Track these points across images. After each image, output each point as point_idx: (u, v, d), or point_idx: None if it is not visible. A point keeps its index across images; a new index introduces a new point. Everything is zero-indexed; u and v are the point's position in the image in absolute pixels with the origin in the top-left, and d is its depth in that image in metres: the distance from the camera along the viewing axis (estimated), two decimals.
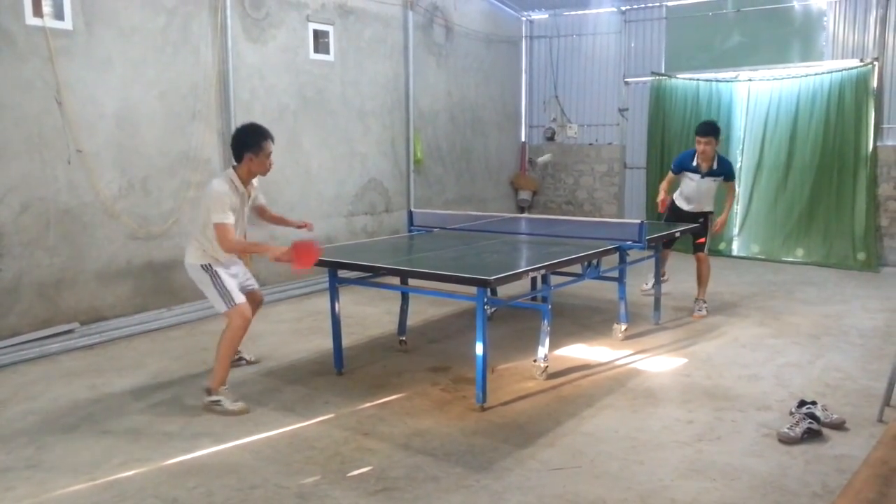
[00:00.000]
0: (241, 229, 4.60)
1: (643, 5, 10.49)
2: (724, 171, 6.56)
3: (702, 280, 6.67)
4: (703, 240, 6.66)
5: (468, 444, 3.86)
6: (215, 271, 4.42)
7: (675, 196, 6.87)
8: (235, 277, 4.59)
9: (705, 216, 6.70)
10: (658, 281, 6.41)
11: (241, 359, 5.13)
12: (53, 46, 5.59)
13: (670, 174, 6.84)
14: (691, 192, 6.64)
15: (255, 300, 4.76)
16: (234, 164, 4.49)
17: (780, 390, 4.64)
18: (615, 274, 5.70)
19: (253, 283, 4.87)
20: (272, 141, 4.50)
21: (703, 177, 6.53)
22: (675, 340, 5.80)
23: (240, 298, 4.43)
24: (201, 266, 4.44)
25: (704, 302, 6.65)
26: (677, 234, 6.43)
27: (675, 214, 6.83)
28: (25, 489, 3.39)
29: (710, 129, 6.42)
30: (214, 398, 4.32)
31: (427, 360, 5.33)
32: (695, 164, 6.53)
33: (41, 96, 5.58)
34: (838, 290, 7.74)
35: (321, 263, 4.94)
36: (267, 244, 4.99)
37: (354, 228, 8.59)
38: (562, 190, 11.56)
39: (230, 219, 4.29)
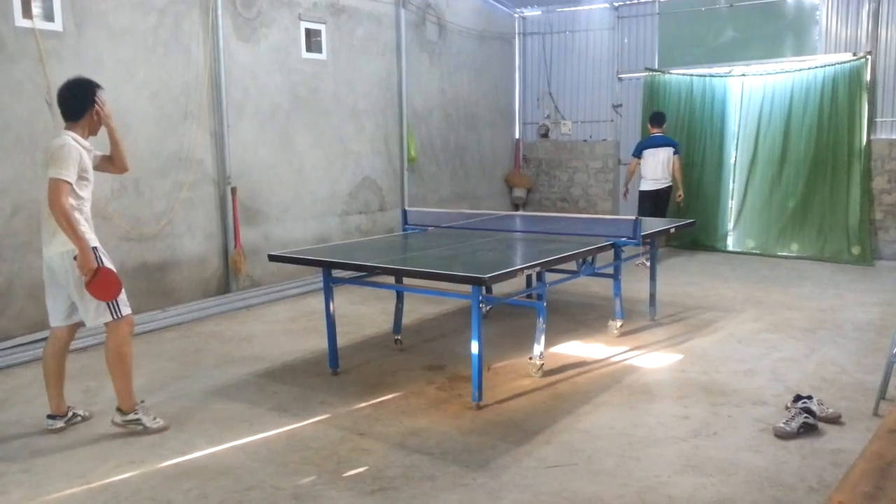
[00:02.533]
0: (90, 200, 3.97)
1: (636, 1, 10.49)
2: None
3: None
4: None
5: (464, 442, 3.85)
6: (101, 260, 3.82)
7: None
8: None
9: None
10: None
11: (75, 414, 4.21)
12: (43, 48, 5.55)
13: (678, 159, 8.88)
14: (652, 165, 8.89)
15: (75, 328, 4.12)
16: (72, 124, 3.93)
17: (775, 385, 4.64)
18: (610, 270, 5.69)
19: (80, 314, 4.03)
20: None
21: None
22: (671, 336, 5.80)
23: (126, 306, 3.94)
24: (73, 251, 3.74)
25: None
26: (672, 230, 6.53)
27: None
28: (19, 493, 3.37)
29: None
30: (132, 416, 3.98)
31: (422, 358, 5.32)
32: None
33: (31, 98, 5.55)
34: (833, 284, 7.75)
35: (317, 263, 4.94)
36: (87, 246, 3.80)
37: (349, 227, 8.57)
38: (556, 187, 11.55)
39: (72, 177, 3.71)
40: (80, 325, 4.10)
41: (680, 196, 9.05)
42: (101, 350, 5.59)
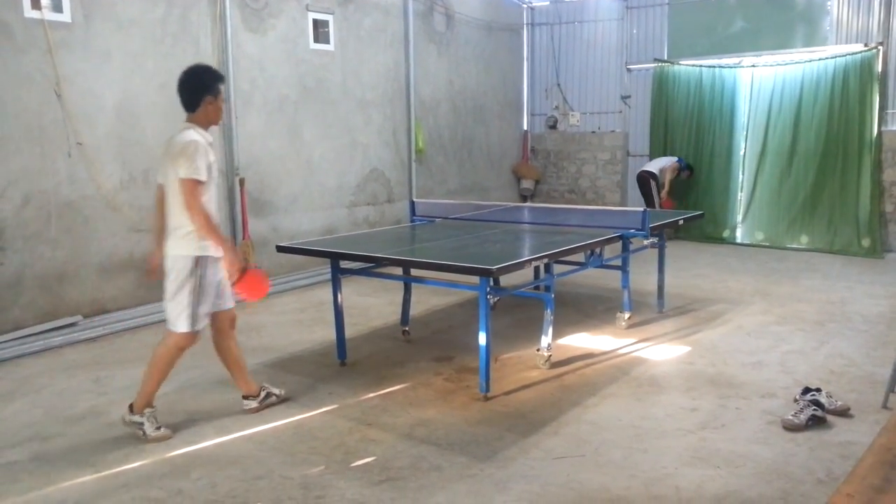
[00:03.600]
0: (215, 200, 3.89)
1: None
2: None
3: None
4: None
5: (472, 433, 3.85)
6: (203, 273, 3.77)
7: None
8: (214, 289, 3.89)
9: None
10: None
11: (269, 394, 4.28)
12: (52, 39, 5.56)
13: (676, 168, 9.85)
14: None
15: (228, 318, 4.09)
16: (189, 114, 3.82)
17: (784, 377, 4.63)
18: (618, 262, 5.68)
19: (228, 301, 4.06)
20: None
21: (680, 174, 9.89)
22: (679, 328, 5.79)
23: (203, 324, 3.89)
24: (194, 259, 3.73)
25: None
26: (680, 222, 6.52)
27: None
28: (31, 481, 3.40)
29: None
30: (137, 419, 3.84)
31: (430, 350, 5.33)
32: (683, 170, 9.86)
33: (40, 89, 5.56)
34: (843, 276, 7.71)
35: (325, 255, 4.95)
36: (231, 247, 3.88)
37: (356, 219, 8.58)
38: (564, 178, 11.52)
39: (203, 175, 3.65)
40: (230, 310, 4.06)
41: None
42: (111, 340, 5.68)
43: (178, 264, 3.76)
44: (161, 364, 3.88)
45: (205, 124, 3.84)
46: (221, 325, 4.07)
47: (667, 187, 9.68)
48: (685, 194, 10.04)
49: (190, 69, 3.86)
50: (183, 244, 3.74)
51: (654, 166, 9.83)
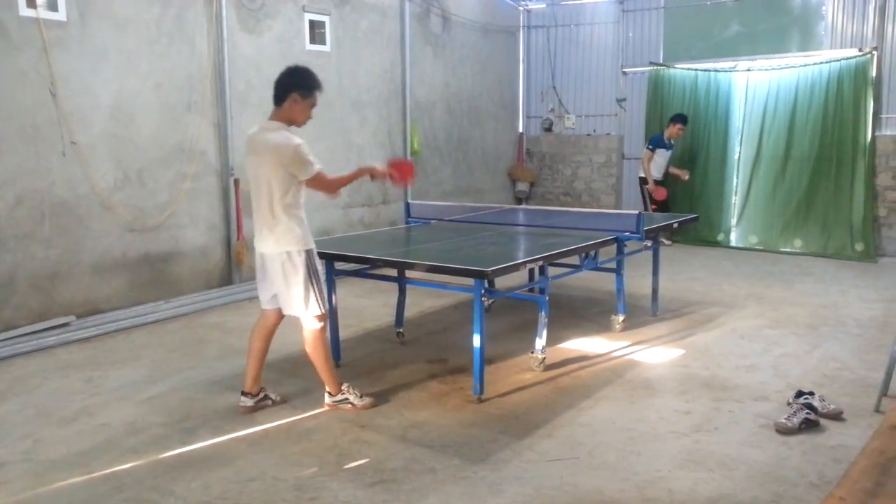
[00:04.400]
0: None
1: None
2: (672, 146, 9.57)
3: None
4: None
5: (465, 435, 3.85)
6: (314, 261, 3.98)
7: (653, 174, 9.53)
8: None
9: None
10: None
11: (266, 396, 4.32)
12: (47, 38, 5.55)
13: (649, 153, 9.56)
14: (661, 163, 9.60)
15: (280, 319, 4.22)
16: (275, 108, 3.96)
17: (777, 381, 4.64)
18: (613, 265, 5.68)
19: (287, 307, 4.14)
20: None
21: (669, 150, 9.58)
22: (673, 331, 5.80)
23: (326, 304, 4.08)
24: (297, 252, 3.88)
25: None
26: (675, 225, 6.56)
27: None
28: (22, 482, 3.39)
29: (687, 119, 9.56)
30: (340, 398, 4.17)
31: (424, 351, 5.32)
32: (666, 140, 9.53)
33: (35, 88, 5.54)
34: (836, 280, 7.74)
35: (319, 255, 4.92)
36: (361, 170, 4.27)
37: (351, 220, 8.57)
38: (559, 181, 11.53)
39: (319, 164, 3.88)
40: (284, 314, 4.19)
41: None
42: (104, 340, 5.65)
43: (288, 261, 3.90)
44: (315, 349, 4.07)
45: (287, 122, 3.93)
46: (271, 322, 4.20)
47: (648, 178, 9.54)
48: (681, 197, 10.06)
49: (291, 66, 4.06)
50: (286, 240, 3.88)
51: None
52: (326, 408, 4.18)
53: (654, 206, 9.49)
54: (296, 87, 3.90)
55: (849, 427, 3.92)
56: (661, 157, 9.58)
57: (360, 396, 4.19)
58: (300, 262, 3.91)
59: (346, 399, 4.16)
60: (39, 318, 5.65)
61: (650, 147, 9.57)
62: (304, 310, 3.97)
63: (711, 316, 6.26)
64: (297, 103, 3.90)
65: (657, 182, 9.59)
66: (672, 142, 9.58)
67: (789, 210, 9.44)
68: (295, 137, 3.85)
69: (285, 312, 4.09)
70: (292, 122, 3.96)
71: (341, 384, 4.20)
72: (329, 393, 4.18)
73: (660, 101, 10.29)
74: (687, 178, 9.69)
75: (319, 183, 3.92)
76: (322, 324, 4.05)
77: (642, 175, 9.69)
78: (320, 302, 3.99)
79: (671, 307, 6.51)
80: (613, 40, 10.81)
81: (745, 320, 6.11)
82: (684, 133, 9.55)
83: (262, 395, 4.26)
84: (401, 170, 4.23)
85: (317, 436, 3.86)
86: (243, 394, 4.22)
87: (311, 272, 3.94)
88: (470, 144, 10.60)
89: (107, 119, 6.05)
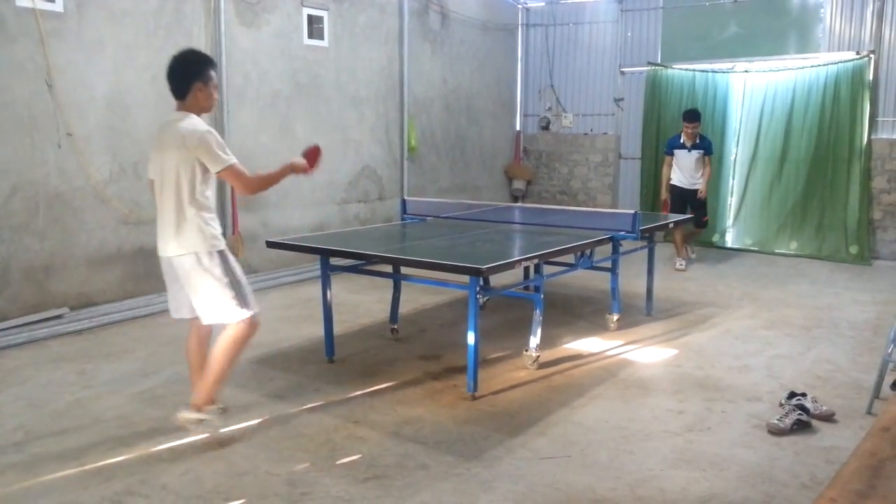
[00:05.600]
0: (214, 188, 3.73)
1: None
2: (705, 146, 8.38)
3: (688, 239, 8.54)
4: (707, 218, 8.71)
5: (459, 432, 3.85)
6: (229, 261, 3.58)
7: (672, 179, 8.49)
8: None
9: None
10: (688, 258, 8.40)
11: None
12: (44, 29, 5.52)
13: (668, 158, 8.55)
14: (684, 165, 8.39)
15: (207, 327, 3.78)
16: (180, 103, 3.62)
17: (770, 382, 4.65)
18: (608, 264, 5.69)
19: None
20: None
21: (689, 150, 8.36)
22: (667, 331, 5.81)
23: (255, 305, 3.67)
24: (208, 253, 3.52)
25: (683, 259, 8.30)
26: (670, 225, 6.57)
27: (677, 194, 8.43)
28: (13, 474, 3.37)
29: (696, 115, 8.35)
30: (202, 416, 3.65)
31: (418, 348, 5.32)
32: (682, 141, 8.41)
33: (31, 79, 5.52)
34: (830, 282, 7.76)
35: (315, 251, 4.94)
36: (284, 169, 3.86)
37: (347, 216, 8.56)
38: (556, 180, 11.54)
39: (234, 158, 3.55)
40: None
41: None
42: (97, 332, 5.64)
43: (198, 263, 3.53)
44: (224, 352, 3.62)
45: (196, 112, 3.64)
46: (204, 332, 3.84)
47: (661, 186, 8.74)
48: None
49: (179, 54, 3.67)
50: (195, 241, 3.52)
51: (698, 168, 8.43)
52: (179, 420, 3.64)
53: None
54: (195, 76, 3.58)
55: (841, 429, 3.94)
56: (683, 161, 8.38)
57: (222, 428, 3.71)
58: (212, 263, 3.53)
59: (210, 421, 3.65)
60: (33, 309, 5.63)
61: (665, 151, 8.73)
62: (225, 317, 3.58)
63: (706, 316, 6.27)
64: (202, 91, 3.60)
65: (676, 190, 8.44)
66: (688, 143, 8.35)
67: (785, 212, 9.46)
68: (204, 125, 3.57)
69: (204, 322, 3.66)
70: (201, 110, 3.67)
71: (215, 402, 3.69)
72: (194, 405, 3.64)
73: (657, 101, 10.30)
74: (701, 195, 8.44)
75: (236, 177, 3.53)
76: (250, 331, 3.64)
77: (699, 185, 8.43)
78: (244, 306, 3.59)
79: (665, 307, 6.52)
80: (612, 40, 10.80)
81: (740, 321, 6.13)
82: (695, 131, 8.27)
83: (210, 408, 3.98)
84: (312, 157, 3.93)
85: (310, 431, 3.86)
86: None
87: (226, 273, 3.55)
88: (467, 142, 10.59)
89: (103, 111, 6.02)
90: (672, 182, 8.49)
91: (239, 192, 3.65)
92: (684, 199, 8.38)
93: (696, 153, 8.31)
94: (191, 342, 3.86)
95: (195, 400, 3.66)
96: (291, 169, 3.83)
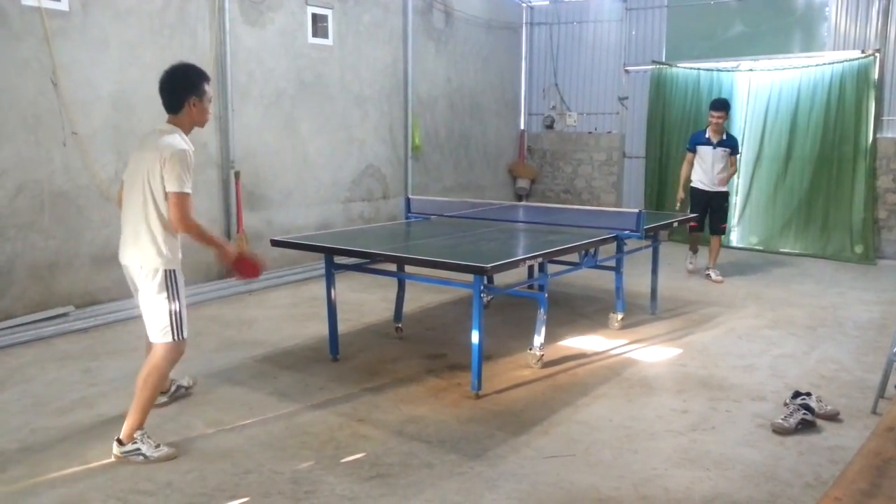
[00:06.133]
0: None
1: None
2: (731, 144, 7.68)
3: (714, 251, 7.78)
4: (724, 225, 7.91)
5: (463, 431, 3.86)
6: (177, 282, 3.52)
7: (693, 180, 7.79)
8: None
9: (725, 197, 7.78)
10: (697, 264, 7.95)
11: (179, 387, 4.24)
12: (49, 27, 5.53)
13: (690, 155, 7.83)
14: (707, 163, 7.63)
15: None
16: (172, 116, 3.60)
17: (775, 381, 4.65)
18: (612, 263, 5.69)
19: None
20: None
21: (714, 147, 7.58)
22: (671, 330, 5.80)
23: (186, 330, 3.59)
24: (165, 272, 3.47)
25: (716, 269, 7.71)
26: (675, 224, 6.57)
27: (698, 198, 7.73)
28: (18, 472, 3.39)
29: (723, 104, 7.63)
30: (130, 448, 3.48)
31: (423, 347, 5.33)
32: (707, 137, 7.64)
33: (36, 77, 5.53)
34: (835, 282, 7.74)
35: (319, 249, 4.95)
36: (223, 241, 3.81)
37: (351, 215, 8.56)
38: (560, 178, 11.53)
39: (190, 188, 3.45)
40: None
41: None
42: (102, 331, 5.65)
43: (152, 276, 3.49)
44: (149, 379, 3.53)
45: (188, 127, 3.61)
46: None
47: (680, 184, 7.93)
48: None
49: (172, 68, 3.63)
50: (150, 256, 3.48)
51: (723, 168, 7.67)
52: (113, 459, 3.49)
53: (691, 224, 7.63)
54: (190, 90, 3.56)
55: (845, 428, 3.93)
56: (707, 158, 7.62)
57: (157, 446, 3.52)
58: (161, 281, 3.47)
59: (138, 449, 3.47)
60: (38, 307, 5.65)
61: (687, 147, 7.97)
62: (157, 334, 3.51)
63: (710, 315, 6.26)
64: (196, 106, 3.58)
65: (698, 194, 7.70)
66: (714, 138, 7.56)
67: (789, 211, 9.44)
68: (185, 144, 3.50)
69: (151, 339, 3.58)
70: (194, 125, 3.65)
71: (136, 432, 3.51)
72: (118, 440, 3.49)
73: (662, 99, 10.28)
74: (679, 203, 7.90)
75: (180, 206, 3.40)
76: (173, 356, 3.55)
77: (723, 188, 7.74)
78: (177, 331, 3.51)
79: (670, 306, 6.51)
80: (616, 38, 10.78)
81: (744, 320, 6.11)
82: (721, 122, 7.47)
83: (173, 387, 4.16)
84: (245, 268, 3.80)
85: (314, 429, 3.86)
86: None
87: (172, 295, 3.48)
88: (471, 140, 10.59)
89: (108, 110, 6.04)
90: (693, 184, 7.71)
91: (173, 220, 3.43)
92: (706, 203, 7.60)
93: (720, 150, 7.54)
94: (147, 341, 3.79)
95: (123, 433, 3.52)
96: (224, 250, 3.68)
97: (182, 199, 3.40)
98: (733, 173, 7.88)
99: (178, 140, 3.50)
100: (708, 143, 7.60)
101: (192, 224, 3.46)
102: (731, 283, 7.59)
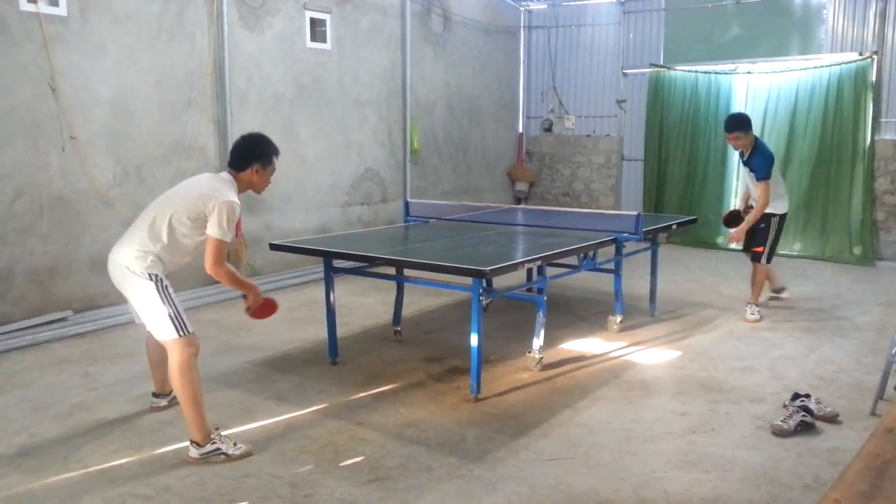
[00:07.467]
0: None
1: None
2: (751, 166, 6.05)
3: (754, 284, 6.33)
4: (760, 248, 6.25)
5: (462, 434, 3.85)
6: (166, 285, 3.60)
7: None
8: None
9: (766, 219, 6.15)
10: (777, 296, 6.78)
11: (160, 395, 4.21)
12: (47, 32, 5.54)
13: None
14: (748, 182, 6.36)
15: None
16: (234, 171, 3.78)
17: (774, 383, 4.64)
18: (611, 266, 5.69)
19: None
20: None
21: (744, 163, 6.20)
22: (670, 333, 5.80)
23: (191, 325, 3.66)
24: (149, 276, 3.56)
25: (756, 305, 6.22)
26: (674, 227, 6.56)
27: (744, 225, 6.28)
28: (17, 476, 3.38)
29: (728, 124, 6.10)
30: (210, 448, 3.53)
31: (422, 350, 5.32)
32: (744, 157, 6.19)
33: (35, 82, 5.54)
34: (834, 283, 7.75)
35: (318, 253, 4.96)
36: (252, 283, 4.02)
37: (350, 218, 8.57)
38: (559, 181, 11.54)
39: (229, 238, 3.63)
40: None
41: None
42: (101, 335, 5.65)
43: (135, 276, 3.60)
44: (180, 384, 3.56)
45: (244, 187, 3.81)
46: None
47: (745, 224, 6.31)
48: (680, 199, 10.07)
49: (249, 134, 3.90)
50: (139, 263, 3.58)
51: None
52: (190, 461, 3.52)
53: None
54: (258, 158, 3.78)
55: (845, 430, 3.93)
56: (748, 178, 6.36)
57: (235, 444, 3.59)
58: (148, 283, 3.57)
59: (218, 450, 3.54)
60: (37, 312, 5.65)
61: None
62: (161, 333, 3.57)
63: (709, 318, 6.26)
64: (258, 173, 3.79)
65: (732, 216, 6.74)
66: (743, 155, 6.21)
67: (788, 213, 9.41)
68: (235, 197, 3.66)
69: (156, 337, 3.66)
70: (251, 187, 3.86)
71: (210, 433, 3.57)
72: (194, 443, 3.53)
73: (660, 102, 10.30)
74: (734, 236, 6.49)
75: (216, 252, 3.57)
76: (189, 350, 3.57)
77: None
78: (180, 325, 3.55)
79: (669, 308, 6.51)
80: (614, 41, 10.80)
81: (743, 322, 6.11)
82: (735, 143, 6.14)
83: (172, 392, 4.05)
84: (265, 310, 4.01)
85: (313, 433, 3.86)
86: (155, 395, 4.16)
87: (161, 291, 3.56)
88: (470, 144, 10.60)
89: (106, 114, 6.04)
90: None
91: (208, 263, 3.59)
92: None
93: (746, 171, 6.24)
94: (149, 339, 3.95)
95: (192, 437, 3.56)
96: (253, 294, 3.88)
97: (220, 246, 3.59)
98: (763, 203, 6.04)
99: (231, 192, 3.67)
100: (745, 164, 6.23)
101: (223, 270, 3.65)
102: (731, 284, 7.59)
